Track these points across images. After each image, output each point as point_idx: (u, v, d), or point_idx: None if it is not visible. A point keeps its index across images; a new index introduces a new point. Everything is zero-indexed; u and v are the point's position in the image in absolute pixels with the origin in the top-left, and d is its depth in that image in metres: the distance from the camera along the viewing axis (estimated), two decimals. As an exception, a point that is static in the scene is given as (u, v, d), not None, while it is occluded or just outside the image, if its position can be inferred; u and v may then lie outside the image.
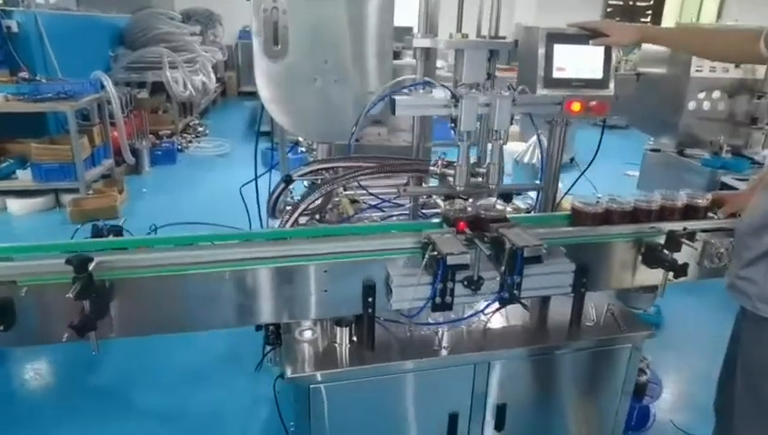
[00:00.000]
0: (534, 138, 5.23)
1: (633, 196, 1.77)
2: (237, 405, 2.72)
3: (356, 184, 2.20)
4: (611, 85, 1.85)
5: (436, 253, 1.40)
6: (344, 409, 1.63)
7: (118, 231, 1.61)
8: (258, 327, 1.79)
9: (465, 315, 1.79)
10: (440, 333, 1.73)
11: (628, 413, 2.00)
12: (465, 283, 1.48)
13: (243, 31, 11.85)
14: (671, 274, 1.69)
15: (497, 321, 1.84)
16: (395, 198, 2.25)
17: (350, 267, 1.51)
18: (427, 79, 1.87)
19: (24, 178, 5.22)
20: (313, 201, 1.82)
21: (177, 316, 1.48)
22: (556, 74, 1.80)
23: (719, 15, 12.92)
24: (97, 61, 7.08)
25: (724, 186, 3.62)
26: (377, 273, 1.52)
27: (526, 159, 5.48)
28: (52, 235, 4.26)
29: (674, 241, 1.64)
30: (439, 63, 2.42)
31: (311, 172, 1.93)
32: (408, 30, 2.19)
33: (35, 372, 3.01)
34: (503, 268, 1.45)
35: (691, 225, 1.70)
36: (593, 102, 1.82)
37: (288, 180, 1.92)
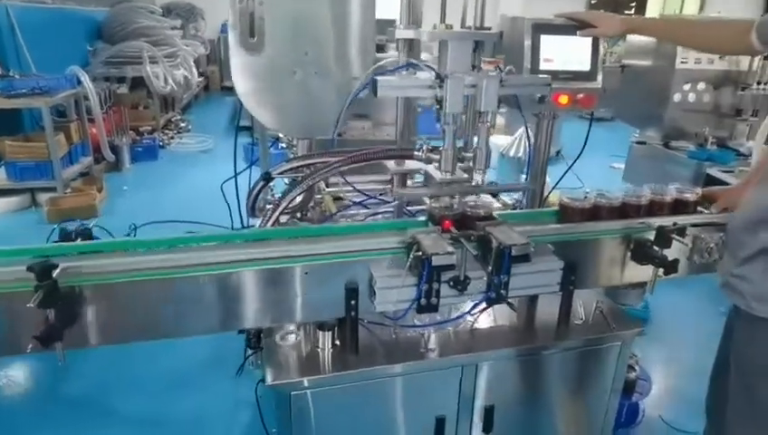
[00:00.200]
0: (521, 130, 5.22)
1: (621, 190, 1.73)
2: (219, 410, 2.66)
3: (339, 180, 2.15)
4: (599, 78, 1.81)
5: (420, 253, 1.35)
6: (328, 415, 1.58)
7: (87, 234, 1.53)
8: (240, 330, 1.72)
9: (452, 317, 1.74)
10: (426, 335, 1.67)
11: (618, 410, 1.98)
12: (452, 283, 1.43)
13: (225, 25, 11.63)
14: (661, 270, 1.65)
15: (484, 321, 1.80)
16: (379, 195, 2.19)
17: (331, 269, 1.45)
18: (411, 60, 1.81)
19: (-2, 176, 5.08)
20: (294, 198, 1.75)
21: (154, 323, 1.41)
22: (543, 66, 1.76)
23: (701, 8, 13.01)
24: (74, 55, 6.89)
25: (710, 178, 3.62)
26: (360, 274, 1.46)
27: (512, 153, 5.42)
28: (27, 235, 4.14)
29: (664, 237, 1.60)
30: (424, 56, 2.37)
31: (291, 169, 1.86)
32: (392, 22, 2.13)
33: (9, 379, 2.91)
34: (490, 268, 1.41)
35: (681, 220, 1.66)
36: (581, 95, 1.78)
37: (267, 178, 1.85)
